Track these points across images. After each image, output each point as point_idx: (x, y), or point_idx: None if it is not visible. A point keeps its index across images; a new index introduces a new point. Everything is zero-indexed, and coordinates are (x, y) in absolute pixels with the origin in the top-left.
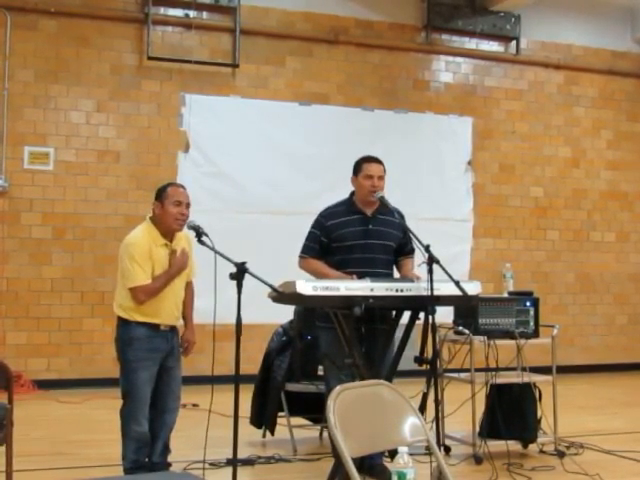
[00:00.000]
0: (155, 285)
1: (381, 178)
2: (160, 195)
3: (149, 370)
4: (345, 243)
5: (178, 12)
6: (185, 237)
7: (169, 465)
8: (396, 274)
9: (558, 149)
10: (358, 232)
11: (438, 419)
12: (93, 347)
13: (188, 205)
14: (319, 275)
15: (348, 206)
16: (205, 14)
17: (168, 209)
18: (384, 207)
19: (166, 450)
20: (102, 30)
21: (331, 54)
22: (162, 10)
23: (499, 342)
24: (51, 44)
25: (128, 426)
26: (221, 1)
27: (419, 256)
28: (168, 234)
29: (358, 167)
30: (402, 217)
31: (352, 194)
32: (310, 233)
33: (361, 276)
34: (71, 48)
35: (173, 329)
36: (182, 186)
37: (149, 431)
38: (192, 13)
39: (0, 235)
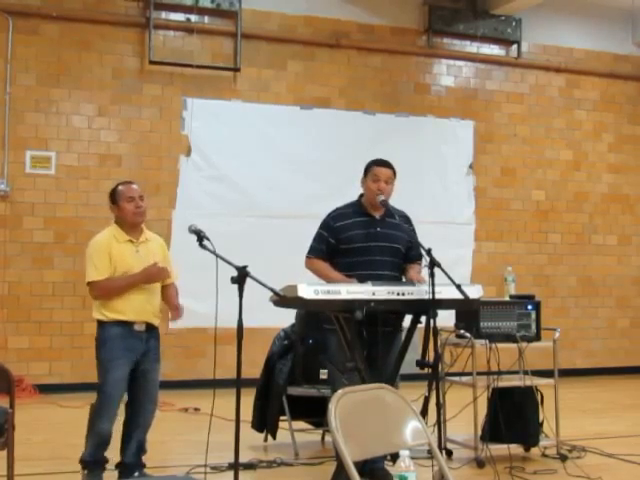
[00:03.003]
0: (112, 283)
1: (388, 182)
2: (113, 197)
3: (121, 369)
4: (353, 245)
5: (180, 16)
6: (157, 241)
7: (143, 466)
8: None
9: (560, 152)
10: (366, 234)
11: (440, 423)
12: (94, 351)
13: (142, 197)
14: (323, 277)
15: (356, 208)
16: (206, 18)
17: (124, 207)
18: (393, 209)
19: (140, 450)
20: (104, 34)
21: (332, 58)
22: (163, 14)
23: (501, 345)
24: (53, 48)
25: (93, 421)
26: (222, 5)
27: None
28: (133, 232)
29: (367, 169)
30: (409, 220)
31: (361, 196)
32: (317, 234)
33: (362, 280)
34: (73, 52)
35: (150, 330)
36: (131, 182)
37: (123, 431)
38: (193, 17)
39: (2, 239)
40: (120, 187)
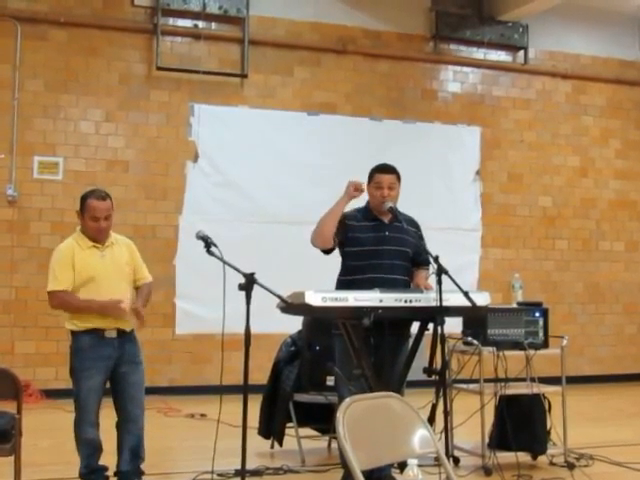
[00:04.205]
0: (71, 300)
1: (392, 187)
2: (81, 206)
3: (92, 379)
4: (362, 248)
5: (187, 23)
6: (124, 243)
7: (141, 473)
8: None
9: (566, 158)
10: (375, 238)
11: (447, 430)
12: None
13: (107, 217)
14: (323, 217)
15: (365, 213)
16: (214, 25)
17: (87, 222)
18: (400, 214)
19: (136, 458)
20: (111, 40)
21: (339, 64)
22: (171, 21)
23: (508, 353)
24: (61, 54)
25: (77, 433)
26: (229, 12)
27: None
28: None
29: (370, 176)
30: (417, 226)
31: (368, 201)
32: None
33: (372, 283)
34: (80, 58)
35: (123, 335)
36: (102, 196)
37: (117, 438)
38: (201, 24)
39: (9, 244)
40: (89, 200)
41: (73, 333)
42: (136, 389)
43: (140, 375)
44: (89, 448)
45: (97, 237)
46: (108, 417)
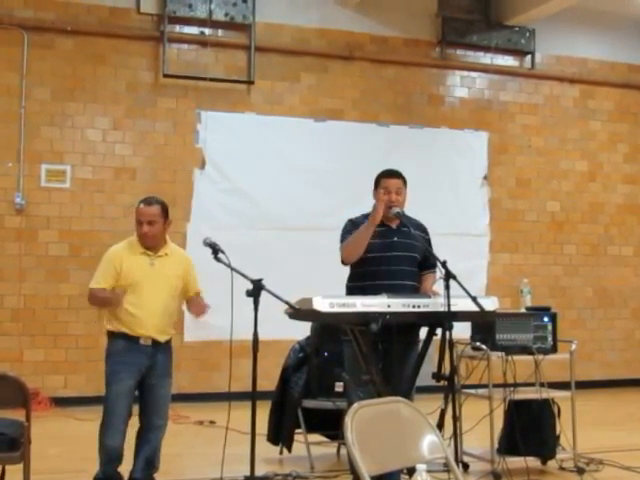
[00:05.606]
0: (95, 294)
1: (399, 192)
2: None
3: (123, 383)
4: (370, 255)
5: (193, 30)
6: (179, 255)
7: None
8: None
9: (574, 163)
10: (383, 244)
11: (456, 436)
12: None
13: (150, 222)
14: (354, 238)
15: None
16: (220, 31)
17: (136, 227)
18: (407, 220)
19: (150, 467)
20: (118, 48)
21: (346, 70)
22: (177, 28)
23: (517, 358)
24: (67, 62)
25: (100, 438)
26: (236, 18)
27: (436, 272)
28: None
29: (377, 181)
30: (425, 230)
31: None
32: (344, 233)
33: (381, 289)
34: (87, 66)
35: (157, 345)
36: (150, 202)
37: (135, 445)
38: (207, 31)
39: (17, 252)
40: (137, 205)
41: (109, 335)
42: (163, 402)
43: (169, 388)
44: (108, 456)
45: (143, 242)
46: (129, 425)
